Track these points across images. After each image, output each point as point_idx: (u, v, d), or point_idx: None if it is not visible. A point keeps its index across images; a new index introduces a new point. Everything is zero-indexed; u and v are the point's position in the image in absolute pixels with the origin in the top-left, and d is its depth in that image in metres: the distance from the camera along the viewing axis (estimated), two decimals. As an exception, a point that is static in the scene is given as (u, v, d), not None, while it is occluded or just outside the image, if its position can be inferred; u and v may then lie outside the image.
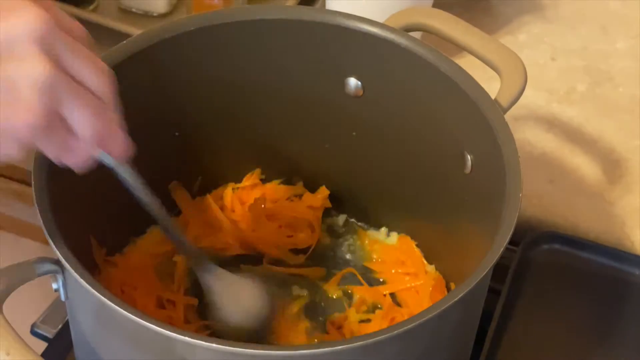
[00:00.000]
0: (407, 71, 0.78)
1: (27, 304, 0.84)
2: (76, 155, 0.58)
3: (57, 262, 0.63)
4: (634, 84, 1.05)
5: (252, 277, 0.79)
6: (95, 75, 0.57)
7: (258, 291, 0.78)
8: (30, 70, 0.53)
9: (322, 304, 0.83)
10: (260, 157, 0.88)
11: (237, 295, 0.77)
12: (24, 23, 0.53)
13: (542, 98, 1.02)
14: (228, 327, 0.75)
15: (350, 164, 0.86)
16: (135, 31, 1.01)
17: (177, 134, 0.82)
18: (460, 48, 0.78)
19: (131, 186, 0.67)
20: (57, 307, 0.83)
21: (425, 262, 0.84)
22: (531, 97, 1.01)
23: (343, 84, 0.81)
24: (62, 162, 0.59)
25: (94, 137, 0.57)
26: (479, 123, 0.72)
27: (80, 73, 0.56)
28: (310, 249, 0.86)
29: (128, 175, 0.66)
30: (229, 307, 0.76)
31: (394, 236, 0.87)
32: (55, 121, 0.55)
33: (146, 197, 0.68)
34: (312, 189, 0.89)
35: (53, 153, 0.58)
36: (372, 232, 0.88)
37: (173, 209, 0.85)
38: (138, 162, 0.66)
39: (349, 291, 0.84)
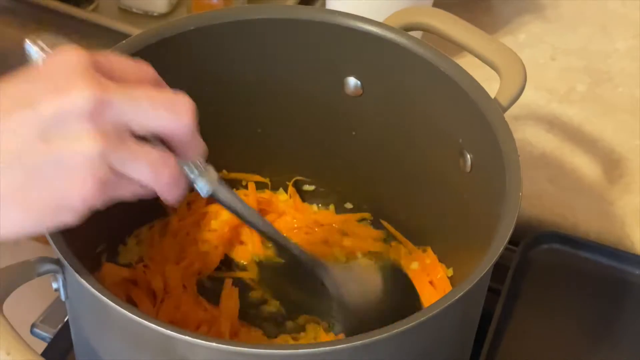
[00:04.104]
0: (407, 71, 0.78)
1: (27, 304, 0.84)
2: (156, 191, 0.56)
3: (57, 262, 0.63)
4: (634, 84, 1.05)
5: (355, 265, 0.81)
6: (156, 118, 0.55)
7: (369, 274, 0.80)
8: (80, 148, 0.52)
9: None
10: (258, 156, 0.88)
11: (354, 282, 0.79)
12: (73, 102, 0.51)
13: (542, 98, 1.02)
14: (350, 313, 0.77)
15: (350, 164, 0.86)
16: (135, 31, 1.00)
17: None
18: (460, 48, 0.78)
19: (230, 206, 0.67)
20: (57, 307, 0.82)
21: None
22: (531, 97, 1.01)
23: (342, 84, 0.81)
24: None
25: (159, 187, 0.56)
26: (479, 122, 0.72)
27: (142, 124, 0.54)
28: None
29: (223, 196, 0.64)
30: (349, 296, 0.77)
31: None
32: (111, 181, 0.54)
33: (249, 214, 0.70)
34: (310, 188, 0.89)
35: (126, 197, 0.56)
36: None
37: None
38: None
39: None
